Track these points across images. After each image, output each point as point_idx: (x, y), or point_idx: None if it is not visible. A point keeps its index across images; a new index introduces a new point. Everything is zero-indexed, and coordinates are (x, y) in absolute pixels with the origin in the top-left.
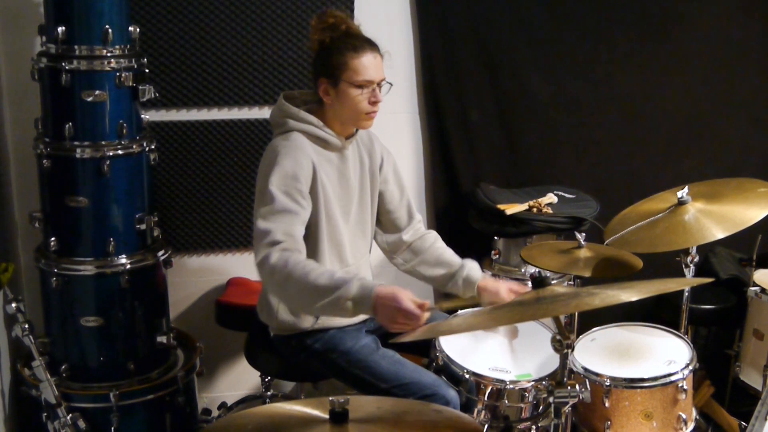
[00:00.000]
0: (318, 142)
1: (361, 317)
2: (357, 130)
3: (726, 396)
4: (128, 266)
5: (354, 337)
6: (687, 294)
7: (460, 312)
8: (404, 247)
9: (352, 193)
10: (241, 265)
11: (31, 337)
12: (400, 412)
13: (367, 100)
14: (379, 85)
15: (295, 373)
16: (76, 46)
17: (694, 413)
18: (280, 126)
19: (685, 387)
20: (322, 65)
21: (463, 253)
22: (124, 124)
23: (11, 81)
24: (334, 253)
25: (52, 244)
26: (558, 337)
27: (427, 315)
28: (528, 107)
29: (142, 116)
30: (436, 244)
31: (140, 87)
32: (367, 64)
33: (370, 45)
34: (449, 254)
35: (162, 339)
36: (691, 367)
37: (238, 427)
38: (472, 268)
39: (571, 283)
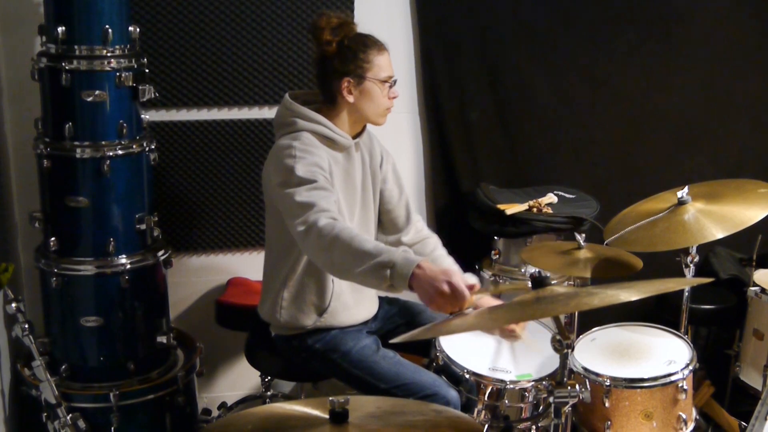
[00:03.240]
0: (326, 141)
1: (363, 317)
2: (363, 130)
3: (726, 396)
4: (128, 266)
5: (355, 338)
6: (687, 294)
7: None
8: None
9: (356, 193)
10: (241, 265)
11: (31, 337)
12: (400, 412)
13: (388, 96)
14: None
15: (295, 373)
16: (76, 46)
17: (694, 413)
18: (287, 126)
19: (685, 387)
20: (345, 65)
21: (463, 254)
22: (124, 124)
23: (11, 81)
24: None
25: (52, 244)
26: (558, 337)
27: (473, 299)
28: (528, 107)
29: (142, 116)
30: (436, 251)
31: (140, 87)
32: (387, 61)
33: (384, 43)
34: (449, 263)
35: (162, 339)
36: (691, 367)
37: (238, 427)
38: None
39: (571, 283)
